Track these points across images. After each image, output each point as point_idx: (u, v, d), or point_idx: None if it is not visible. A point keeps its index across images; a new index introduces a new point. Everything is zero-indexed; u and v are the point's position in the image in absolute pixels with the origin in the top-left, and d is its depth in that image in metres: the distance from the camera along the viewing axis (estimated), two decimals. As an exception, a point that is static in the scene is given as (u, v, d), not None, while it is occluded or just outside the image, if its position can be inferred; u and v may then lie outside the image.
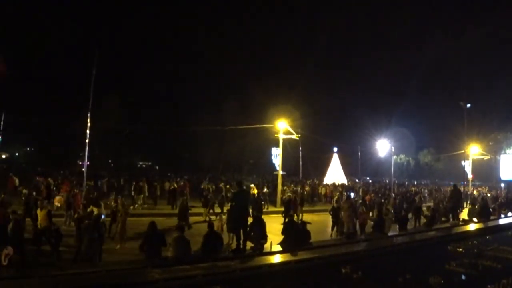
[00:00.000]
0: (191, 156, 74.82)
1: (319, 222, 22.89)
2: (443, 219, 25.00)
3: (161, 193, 30.76)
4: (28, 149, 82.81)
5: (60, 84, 71.14)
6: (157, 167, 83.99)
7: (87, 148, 25.76)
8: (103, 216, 16.53)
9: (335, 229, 19.40)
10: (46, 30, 75.00)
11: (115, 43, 78.68)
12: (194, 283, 10.74)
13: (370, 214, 22.81)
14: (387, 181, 58.54)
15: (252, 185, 31.87)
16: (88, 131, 25.31)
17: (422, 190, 48.30)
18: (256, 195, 27.00)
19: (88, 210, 17.85)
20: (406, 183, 66.24)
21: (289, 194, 27.71)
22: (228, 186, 32.75)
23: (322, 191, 39.81)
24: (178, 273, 11.23)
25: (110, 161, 73.98)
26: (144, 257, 12.61)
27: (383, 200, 27.24)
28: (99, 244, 12.90)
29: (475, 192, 49.47)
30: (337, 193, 31.39)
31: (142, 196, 27.10)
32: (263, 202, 26.52)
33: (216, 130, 53.44)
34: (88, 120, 25.20)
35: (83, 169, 27.55)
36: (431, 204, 30.37)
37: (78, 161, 59.06)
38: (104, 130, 48.22)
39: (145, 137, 68.24)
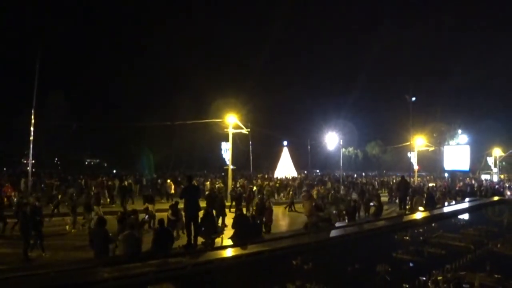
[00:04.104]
0: (140, 152, 73.82)
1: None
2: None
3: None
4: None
5: (2, 79, 68.53)
6: (105, 164, 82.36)
7: (31, 145, 25.02)
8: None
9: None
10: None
11: (60, 38, 76.32)
12: (145, 281, 10.59)
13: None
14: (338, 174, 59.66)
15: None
16: (32, 128, 24.58)
17: (373, 181, 49.51)
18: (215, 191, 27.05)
19: (143, 207, 18.18)
20: (355, 175, 67.55)
21: (239, 188, 27.86)
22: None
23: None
24: (128, 271, 11.04)
25: (56, 159, 71.94)
26: (93, 255, 12.41)
27: (333, 192, 27.78)
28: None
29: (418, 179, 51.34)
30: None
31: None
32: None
33: (165, 126, 52.85)
34: (32, 117, 24.47)
35: (28, 168, 26.79)
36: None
37: (22, 160, 57.20)
38: (50, 127, 46.79)
39: (93, 134, 66.67)
